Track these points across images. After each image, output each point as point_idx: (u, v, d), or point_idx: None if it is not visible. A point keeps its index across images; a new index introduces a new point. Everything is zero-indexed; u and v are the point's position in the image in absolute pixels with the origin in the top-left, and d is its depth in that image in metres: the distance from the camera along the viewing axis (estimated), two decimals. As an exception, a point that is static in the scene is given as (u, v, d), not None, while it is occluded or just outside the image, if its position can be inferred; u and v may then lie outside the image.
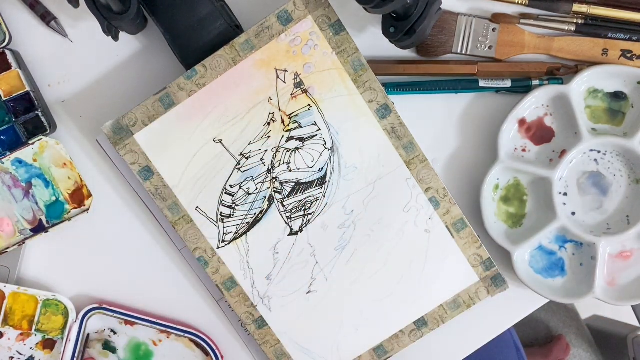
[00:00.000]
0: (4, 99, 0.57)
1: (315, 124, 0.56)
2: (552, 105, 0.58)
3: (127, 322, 0.61)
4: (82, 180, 0.59)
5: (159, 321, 0.61)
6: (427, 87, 0.58)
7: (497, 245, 0.59)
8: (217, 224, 0.58)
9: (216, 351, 0.61)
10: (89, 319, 0.61)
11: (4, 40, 0.57)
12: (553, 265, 0.60)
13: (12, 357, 0.61)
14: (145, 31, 0.58)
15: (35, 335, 0.61)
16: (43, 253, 0.61)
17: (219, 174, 0.57)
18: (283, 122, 0.56)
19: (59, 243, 0.61)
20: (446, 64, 0.58)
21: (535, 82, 0.57)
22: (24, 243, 0.59)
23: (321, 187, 0.57)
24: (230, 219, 0.57)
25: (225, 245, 0.58)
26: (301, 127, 0.57)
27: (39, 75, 0.59)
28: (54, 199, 0.59)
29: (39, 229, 0.59)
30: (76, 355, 0.60)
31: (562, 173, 0.58)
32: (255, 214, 0.57)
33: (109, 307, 0.60)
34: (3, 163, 0.58)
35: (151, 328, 0.61)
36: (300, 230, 0.58)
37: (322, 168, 0.57)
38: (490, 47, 0.57)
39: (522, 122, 0.58)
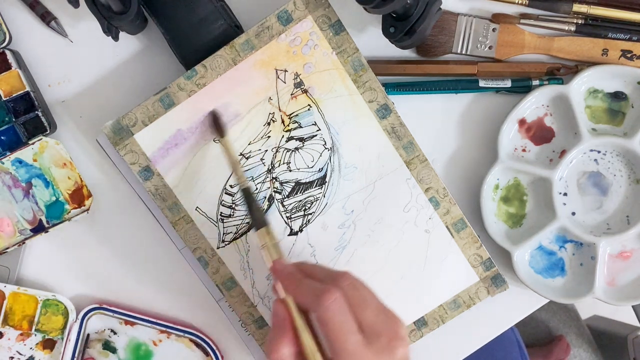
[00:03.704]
0: (4, 99, 0.57)
1: (315, 124, 0.56)
2: (552, 105, 0.58)
3: (127, 322, 0.61)
4: (82, 180, 0.59)
5: (159, 321, 0.61)
6: (427, 87, 0.58)
7: (497, 245, 0.59)
8: (217, 224, 0.58)
9: (216, 351, 0.61)
10: (89, 319, 0.61)
11: (4, 40, 0.57)
12: (553, 265, 0.60)
13: (12, 357, 0.61)
14: (145, 31, 0.58)
15: (35, 335, 0.61)
16: (43, 253, 0.61)
17: (219, 174, 0.57)
18: (283, 122, 0.56)
19: (59, 243, 0.61)
20: (446, 64, 0.58)
21: (535, 82, 0.57)
22: (24, 243, 0.59)
23: (321, 187, 0.57)
24: (230, 219, 0.57)
25: (225, 245, 0.58)
26: (301, 127, 0.56)
27: (39, 75, 0.59)
28: (54, 199, 0.59)
29: (39, 229, 0.59)
30: (76, 355, 0.60)
31: (562, 173, 0.58)
32: (255, 214, 0.57)
33: (109, 307, 0.60)
34: (3, 163, 0.58)
35: (151, 328, 0.61)
36: (300, 230, 0.58)
37: (322, 168, 0.57)
38: (490, 47, 0.57)
39: (522, 122, 0.58)
